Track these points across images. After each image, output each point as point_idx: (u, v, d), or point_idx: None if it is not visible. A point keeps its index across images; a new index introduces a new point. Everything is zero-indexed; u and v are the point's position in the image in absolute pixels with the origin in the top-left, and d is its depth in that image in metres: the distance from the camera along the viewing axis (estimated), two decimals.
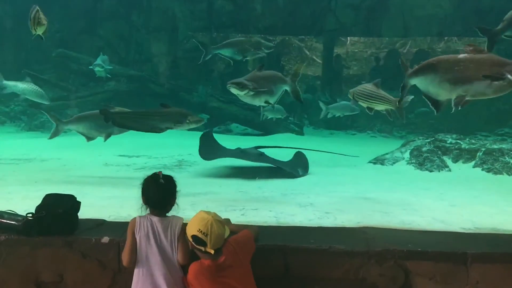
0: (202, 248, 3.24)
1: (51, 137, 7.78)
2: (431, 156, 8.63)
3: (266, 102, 6.66)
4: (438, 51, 15.36)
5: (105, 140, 7.65)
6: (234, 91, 6.31)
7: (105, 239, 3.77)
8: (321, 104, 11.32)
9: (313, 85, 15.89)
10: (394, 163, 8.74)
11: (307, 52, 18.57)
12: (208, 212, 3.33)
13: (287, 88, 6.92)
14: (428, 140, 9.11)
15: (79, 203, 3.99)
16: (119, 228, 4.00)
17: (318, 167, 9.31)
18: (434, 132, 10.37)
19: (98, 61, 11.45)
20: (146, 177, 3.51)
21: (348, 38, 16.23)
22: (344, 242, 3.75)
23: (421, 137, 9.43)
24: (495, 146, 8.61)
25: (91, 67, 11.56)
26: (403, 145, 9.38)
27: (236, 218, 5.51)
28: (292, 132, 13.63)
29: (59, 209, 3.74)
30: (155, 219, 3.39)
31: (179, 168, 8.81)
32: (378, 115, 14.09)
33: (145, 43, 14.91)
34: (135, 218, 3.47)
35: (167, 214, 3.53)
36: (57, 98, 13.12)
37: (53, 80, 13.80)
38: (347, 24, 14.94)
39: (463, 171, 8.49)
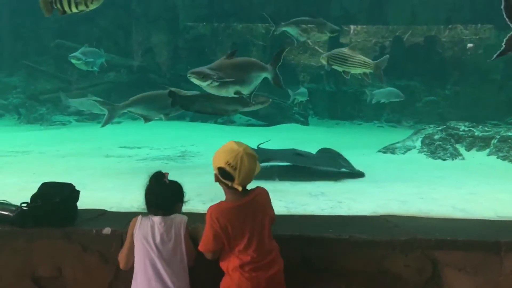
0: (229, 183, 2.88)
1: (104, 124, 7.56)
2: (444, 144, 8.33)
3: (237, 93, 6.11)
4: (444, 39, 15.03)
5: (165, 119, 7.68)
6: (195, 81, 5.82)
7: (107, 230, 3.48)
8: (367, 90, 11.41)
9: (318, 75, 15.55)
10: (405, 152, 8.45)
11: (310, 42, 18.20)
12: (239, 144, 2.94)
13: (267, 75, 6.40)
14: (440, 128, 8.81)
15: (78, 192, 3.71)
16: (122, 218, 3.72)
17: None
18: (442, 121, 10.09)
19: (77, 53, 10.64)
20: (149, 176, 3.20)
21: (352, 26, 15.85)
22: (365, 231, 3.47)
23: (432, 125, 9.13)
24: (510, 134, 8.30)
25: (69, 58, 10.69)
26: (414, 134, 9.09)
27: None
28: (297, 123, 13.33)
29: (56, 198, 3.44)
30: (156, 219, 3.09)
31: (183, 158, 8.54)
32: (385, 104, 13.82)
33: (145, 32, 14.56)
34: (136, 217, 3.18)
35: None
36: (55, 90, 12.83)
37: (52, 71, 13.48)
38: (352, 11, 14.59)
39: (477, 159, 8.20)
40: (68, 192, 3.58)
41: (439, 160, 8.12)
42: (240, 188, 2.86)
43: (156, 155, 8.76)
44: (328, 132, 12.85)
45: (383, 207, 4.91)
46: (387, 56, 6.78)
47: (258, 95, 6.59)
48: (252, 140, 11.13)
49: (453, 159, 8.11)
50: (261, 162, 6.17)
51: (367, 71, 6.67)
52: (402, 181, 6.35)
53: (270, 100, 6.67)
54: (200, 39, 14.99)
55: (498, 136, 8.31)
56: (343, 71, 6.87)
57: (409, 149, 8.50)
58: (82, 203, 3.91)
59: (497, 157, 8.08)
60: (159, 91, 7.37)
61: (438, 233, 3.41)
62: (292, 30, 8.48)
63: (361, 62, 6.72)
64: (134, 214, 3.92)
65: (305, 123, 13.59)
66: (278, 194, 5.91)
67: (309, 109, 14.51)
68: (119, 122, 12.94)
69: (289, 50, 17.62)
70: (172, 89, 6.77)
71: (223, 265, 3.03)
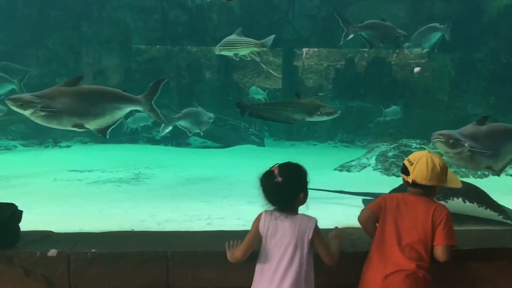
0: (405, 177, 3.14)
1: (161, 134, 9.33)
2: (397, 161, 8.47)
3: (76, 126, 5.59)
4: (393, 62, 15.53)
5: (201, 134, 9.61)
6: (16, 109, 5.29)
7: (53, 252, 3.22)
8: (382, 107, 12.65)
9: (273, 96, 15.65)
10: (361, 169, 8.53)
11: (263, 66, 18.40)
12: (430, 151, 3.19)
13: (138, 108, 6.03)
14: (393, 146, 8.98)
15: (20, 212, 3.42)
16: (70, 240, 3.48)
17: None
18: (394, 141, 10.30)
19: None
20: (261, 175, 3.01)
21: (305, 49, 16.15)
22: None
23: (385, 143, 9.30)
24: None
25: None
26: (368, 152, 9.21)
27: (202, 228, 5.12)
28: (253, 144, 13.28)
29: None
30: (281, 215, 2.94)
31: (136, 181, 8.26)
32: (339, 125, 14.05)
33: (96, 54, 14.20)
34: (261, 213, 3.05)
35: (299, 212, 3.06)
36: None
37: None
38: (305, 35, 14.85)
39: None
40: (9, 212, 3.30)
41: (393, 177, 8.23)
42: (410, 180, 3.07)
43: (108, 178, 8.43)
44: (285, 153, 12.84)
45: (344, 222, 4.88)
46: (273, 36, 7.37)
47: (326, 106, 6.50)
48: (208, 161, 11.00)
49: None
50: None
51: (254, 50, 7.36)
52: (361, 197, 6.36)
53: (339, 112, 6.48)
54: (154, 62, 14.81)
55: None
56: (234, 54, 7.49)
57: (364, 167, 8.59)
58: (28, 228, 3.62)
59: None
60: (198, 109, 9.21)
61: None
62: (365, 33, 8.35)
63: (247, 42, 7.34)
64: (82, 235, 3.69)
65: (261, 144, 13.55)
66: (237, 213, 5.81)
67: (264, 130, 14.52)
68: (68, 146, 12.47)
69: (245, 73, 17.76)
70: None
71: None
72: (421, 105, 13.68)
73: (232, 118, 13.25)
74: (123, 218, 5.53)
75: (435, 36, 9.97)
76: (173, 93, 13.73)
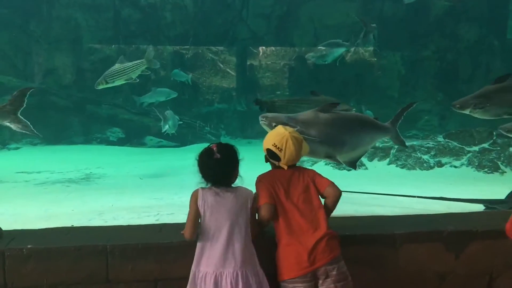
0: (276, 163, 3.22)
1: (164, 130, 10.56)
2: None
3: None
4: (345, 60, 15.82)
5: (176, 134, 11.13)
6: None
7: None
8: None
9: (229, 95, 15.69)
10: (313, 164, 8.67)
11: (221, 65, 18.39)
12: (286, 128, 3.27)
13: None
14: None
15: None
16: (5, 237, 3.42)
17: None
18: None
19: None
20: (199, 153, 3.12)
21: (261, 47, 16.25)
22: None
23: None
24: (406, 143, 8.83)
25: None
26: None
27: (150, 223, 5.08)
28: (209, 143, 13.24)
29: None
30: (220, 190, 3.06)
31: (87, 180, 8.14)
32: None
33: (46, 54, 13.80)
34: (197, 190, 3.11)
35: (234, 185, 3.15)
36: None
37: None
38: (259, 33, 14.94)
39: (379, 168, 8.65)
40: None
41: (345, 171, 8.42)
42: (285, 167, 3.19)
43: (57, 179, 8.25)
44: (241, 151, 12.91)
45: None
46: (150, 47, 8.23)
47: (341, 103, 6.50)
48: (162, 160, 10.91)
49: (357, 169, 8.44)
50: None
51: (143, 67, 7.92)
52: None
53: (353, 109, 6.45)
54: (106, 61, 14.53)
55: (396, 146, 8.81)
56: (126, 80, 8.01)
57: (316, 162, 8.73)
58: None
59: (396, 166, 8.58)
60: (170, 111, 10.53)
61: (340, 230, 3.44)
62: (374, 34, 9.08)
63: (134, 65, 7.89)
64: (18, 232, 3.59)
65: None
66: (187, 208, 5.80)
67: (221, 129, 14.52)
68: (17, 148, 12.10)
69: (202, 73, 17.68)
70: None
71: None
72: (372, 102, 14.01)
73: (187, 117, 13.21)
74: (69, 217, 5.45)
75: (338, 52, 11.00)
76: (127, 93, 13.52)
